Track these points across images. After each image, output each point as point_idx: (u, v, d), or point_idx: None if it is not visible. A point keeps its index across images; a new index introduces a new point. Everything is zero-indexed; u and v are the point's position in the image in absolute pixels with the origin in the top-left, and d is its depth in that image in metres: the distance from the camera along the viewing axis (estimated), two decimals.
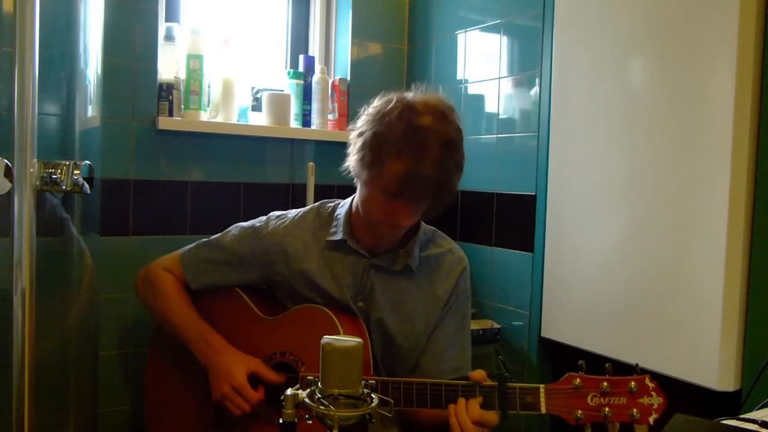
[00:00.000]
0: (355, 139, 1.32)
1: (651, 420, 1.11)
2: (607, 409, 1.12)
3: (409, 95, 1.31)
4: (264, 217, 1.51)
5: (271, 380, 1.37)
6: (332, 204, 1.48)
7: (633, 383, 1.12)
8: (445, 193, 1.31)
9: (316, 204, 1.50)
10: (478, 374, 1.21)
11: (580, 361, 1.15)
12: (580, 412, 1.13)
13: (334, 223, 1.43)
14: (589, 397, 1.14)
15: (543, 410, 1.15)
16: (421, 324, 1.42)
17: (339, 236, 1.40)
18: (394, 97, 1.30)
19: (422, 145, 1.23)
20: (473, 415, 1.16)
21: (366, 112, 1.33)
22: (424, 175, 1.23)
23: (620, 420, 1.13)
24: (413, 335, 1.42)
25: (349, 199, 1.44)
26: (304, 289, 1.43)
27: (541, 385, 1.16)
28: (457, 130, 1.29)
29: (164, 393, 1.56)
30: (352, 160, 1.32)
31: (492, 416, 1.17)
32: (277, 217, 1.50)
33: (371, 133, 1.27)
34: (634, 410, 1.11)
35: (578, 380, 1.14)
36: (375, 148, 1.26)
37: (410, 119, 1.25)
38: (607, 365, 1.14)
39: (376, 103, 1.32)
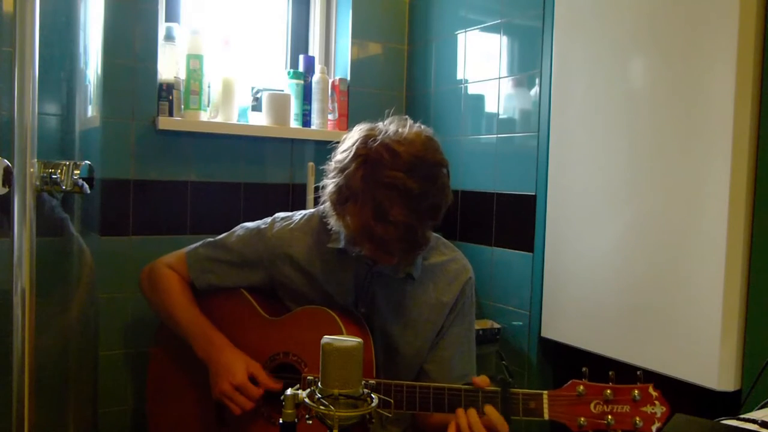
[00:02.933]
0: (322, 190, 1.29)
1: (654, 429, 1.11)
2: (610, 416, 1.12)
3: (377, 137, 1.22)
4: (269, 219, 1.51)
5: (268, 387, 1.36)
6: None
7: (636, 391, 1.12)
8: (412, 248, 1.25)
9: (321, 207, 1.50)
10: (482, 380, 1.21)
11: (584, 368, 1.15)
12: (583, 419, 1.13)
13: (336, 229, 1.42)
14: (592, 405, 1.13)
15: (546, 416, 1.15)
16: (426, 331, 1.42)
17: (340, 244, 1.38)
18: (356, 142, 1.23)
19: (378, 207, 1.17)
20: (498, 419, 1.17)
21: (334, 159, 1.27)
22: (381, 236, 1.18)
23: (623, 428, 1.12)
24: (416, 343, 1.41)
25: None
26: (308, 292, 1.43)
27: (545, 392, 1.16)
28: (428, 174, 1.20)
29: (166, 390, 1.57)
30: (324, 209, 1.30)
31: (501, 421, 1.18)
32: (282, 218, 1.50)
33: (333, 188, 1.24)
34: (637, 419, 1.11)
35: (582, 387, 1.14)
36: (336, 204, 1.24)
37: (367, 176, 1.19)
38: (610, 373, 1.14)
39: (343, 147, 1.26)
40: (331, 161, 1.28)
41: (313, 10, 2.42)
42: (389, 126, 1.24)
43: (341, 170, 1.23)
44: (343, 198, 1.22)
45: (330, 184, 1.26)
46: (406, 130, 1.23)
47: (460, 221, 2.19)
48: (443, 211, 1.25)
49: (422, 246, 1.26)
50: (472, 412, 1.17)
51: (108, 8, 1.74)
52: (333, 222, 1.28)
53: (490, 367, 1.98)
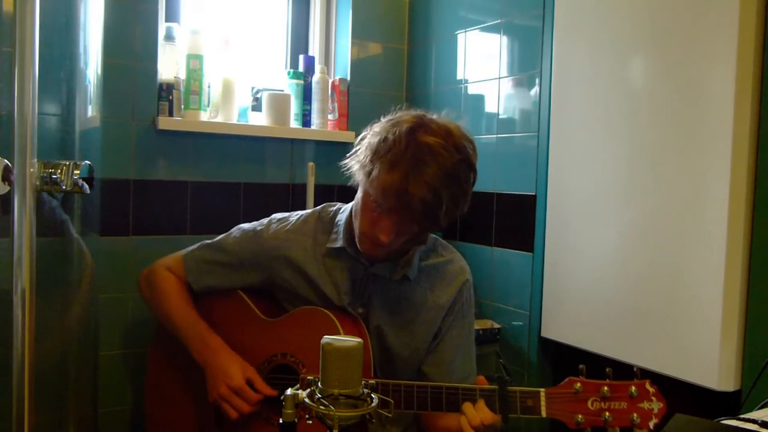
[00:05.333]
0: (360, 141, 1.30)
1: (651, 425, 1.11)
2: (607, 413, 1.12)
3: (431, 115, 1.28)
4: (266, 220, 1.51)
5: (263, 393, 1.36)
6: (334, 209, 1.48)
7: (633, 388, 1.12)
8: (430, 223, 1.26)
9: (318, 208, 1.50)
10: (479, 379, 1.22)
11: (581, 366, 1.15)
12: (580, 416, 1.13)
13: (335, 230, 1.42)
14: (589, 402, 1.13)
15: (543, 414, 1.15)
16: (422, 333, 1.41)
17: (339, 243, 1.39)
18: (414, 111, 1.29)
19: (419, 164, 1.20)
20: (486, 416, 1.17)
21: (383, 118, 1.31)
22: (411, 193, 1.19)
23: (620, 424, 1.12)
24: (412, 344, 1.41)
25: (350, 205, 1.43)
26: (305, 293, 1.43)
27: (542, 389, 1.16)
28: (465, 165, 1.25)
29: (165, 392, 1.57)
30: (353, 160, 1.31)
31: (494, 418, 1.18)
32: (279, 220, 1.50)
33: (378, 138, 1.25)
34: (635, 415, 1.11)
35: (579, 384, 1.14)
36: (375, 153, 1.24)
37: (417, 136, 1.22)
38: (607, 370, 1.14)
39: (397, 113, 1.31)
40: (382, 118, 1.31)
41: (313, 10, 2.42)
42: (441, 115, 1.31)
43: (393, 125, 1.26)
44: (385, 147, 1.23)
45: (373, 134, 1.27)
46: (460, 125, 1.30)
47: (460, 221, 2.19)
48: (457, 212, 1.27)
49: (437, 224, 1.27)
50: (468, 405, 1.18)
51: (108, 8, 1.74)
52: (358, 174, 1.28)
53: (490, 367, 1.98)
